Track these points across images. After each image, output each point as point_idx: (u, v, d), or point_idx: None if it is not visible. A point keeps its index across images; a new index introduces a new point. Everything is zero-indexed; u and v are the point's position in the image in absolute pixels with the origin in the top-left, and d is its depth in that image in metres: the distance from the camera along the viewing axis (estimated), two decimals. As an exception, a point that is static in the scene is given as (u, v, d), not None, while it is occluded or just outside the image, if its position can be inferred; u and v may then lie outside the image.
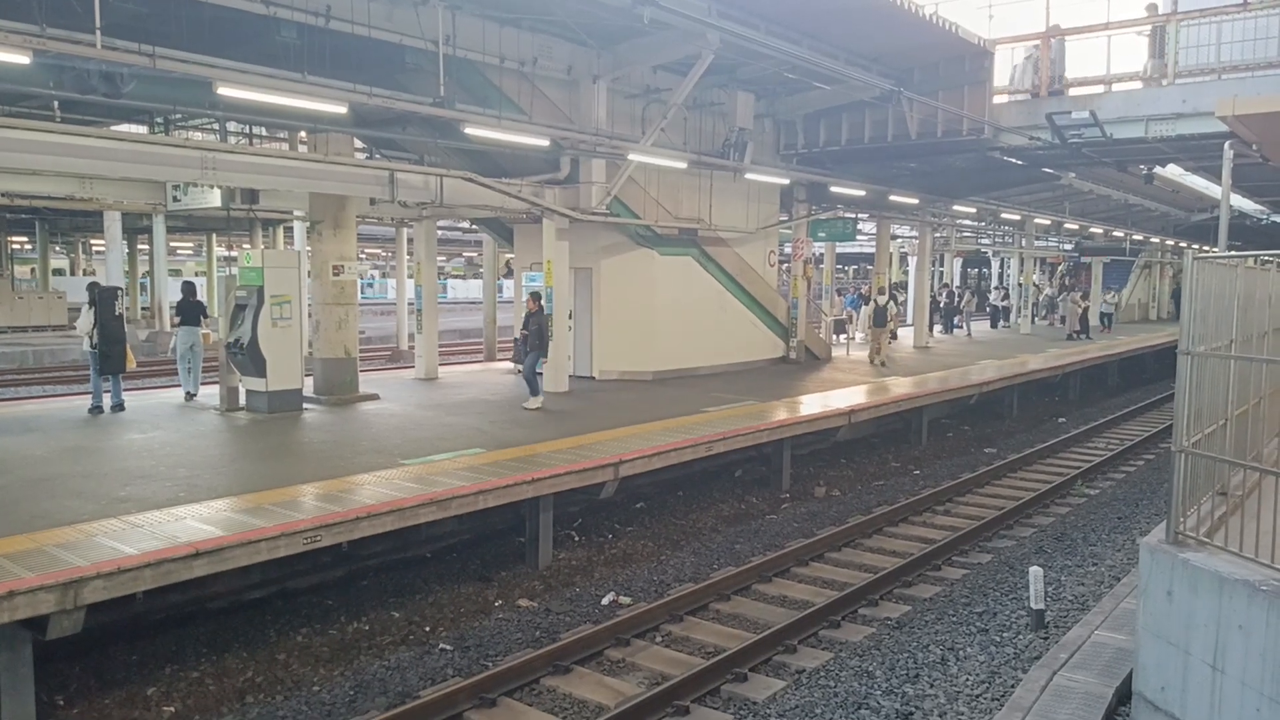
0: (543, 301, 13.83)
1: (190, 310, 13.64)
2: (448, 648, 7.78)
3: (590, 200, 14.94)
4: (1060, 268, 42.66)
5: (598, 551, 10.36)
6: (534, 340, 13.31)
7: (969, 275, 51.33)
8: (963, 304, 33.01)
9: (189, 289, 14.08)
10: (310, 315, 14.02)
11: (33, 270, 43.39)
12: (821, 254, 29.99)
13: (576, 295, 16.33)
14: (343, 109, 11.18)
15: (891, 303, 23.07)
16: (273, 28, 10.92)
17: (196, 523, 7.20)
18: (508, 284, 32.47)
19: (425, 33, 11.70)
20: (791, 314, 20.26)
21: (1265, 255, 6.09)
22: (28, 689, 6.04)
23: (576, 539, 10.68)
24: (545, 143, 13.36)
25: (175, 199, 13.77)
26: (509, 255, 20.26)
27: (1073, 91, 16.68)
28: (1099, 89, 16.43)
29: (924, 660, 7.36)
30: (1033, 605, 7.95)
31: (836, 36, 15.03)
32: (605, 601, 8.85)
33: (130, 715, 6.61)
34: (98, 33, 8.57)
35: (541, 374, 13.68)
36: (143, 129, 15.91)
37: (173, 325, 15.52)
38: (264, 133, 17.62)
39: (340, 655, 7.62)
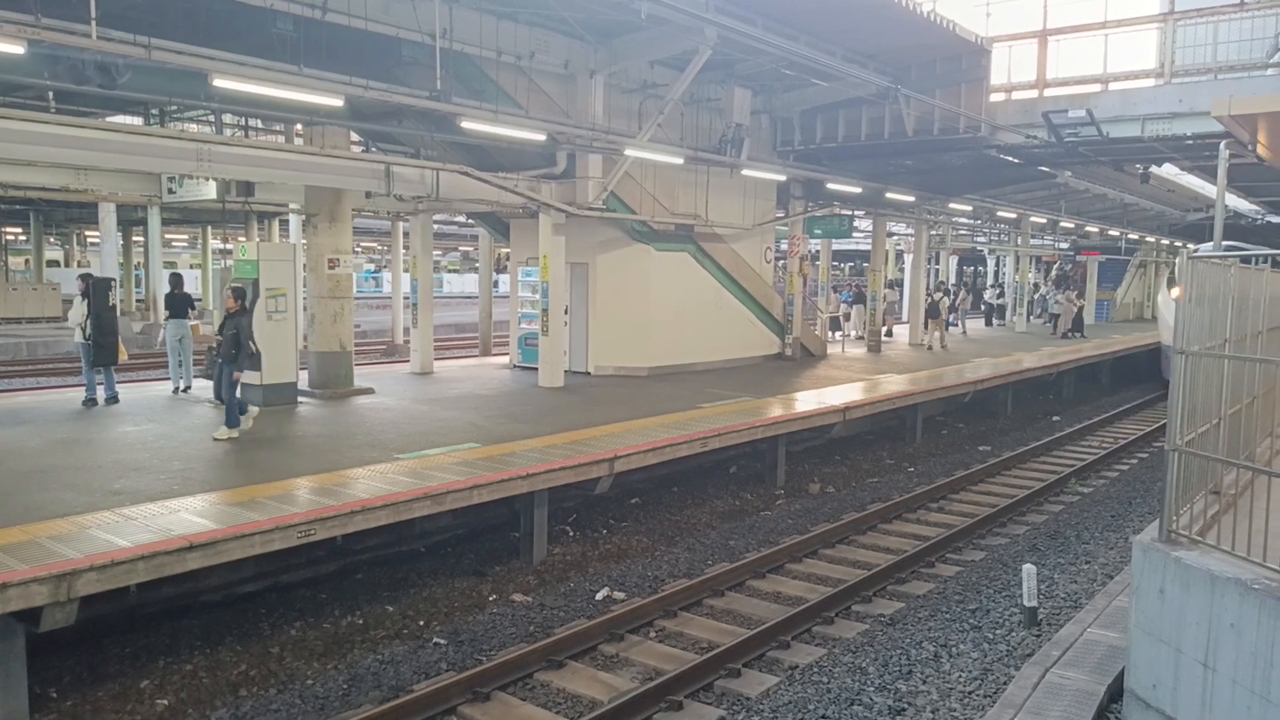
0: (247, 302, 10.87)
1: (178, 302, 13.60)
2: (441, 642, 7.78)
3: (586, 195, 14.93)
4: (1054, 266, 42.72)
5: (592, 547, 10.36)
6: (227, 348, 10.31)
7: (964, 273, 51.39)
8: (958, 302, 33.06)
9: (176, 281, 14.03)
10: (305, 309, 14.00)
11: (27, 261, 43.26)
12: (817, 251, 30.03)
13: (572, 290, 16.33)
14: (339, 102, 11.15)
15: (945, 297, 26.40)
16: (269, 20, 10.89)
17: (190, 516, 7.19)
18: (504, 279, 32.45)
19: (422, 26, 11.67)
20: (787, 311, 20.28)
21: (1258, 253, 6.10)
22: (20, 681, 6.03)
23: (571, 534, 10.69)
24: (542, 137, 13.34)
25: (170, 191, 13.74)
26: (505, 250, 20.25)
27: (1068, 90, 16.73)
28: (1095, 88, 16.47)
29: (917, 657, 7.38)
30: (1025, 603, 7.98)
31: (834, 33, 15.03)
32: (599, 597, 8.86)
33: (123, 708, 6.60)
34: (93, 23, 8.53)
35: (237, 392, 10.42)
36: (138, 120, 15.85)
37: (164, 318, 15.48)
38: (260, 125, 17.57)
39: (334, 649, 7.62)
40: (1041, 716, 5.34)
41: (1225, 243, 22.90)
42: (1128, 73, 16.29)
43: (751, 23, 13.21)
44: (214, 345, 10.69)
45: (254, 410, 10.86)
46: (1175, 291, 22.46)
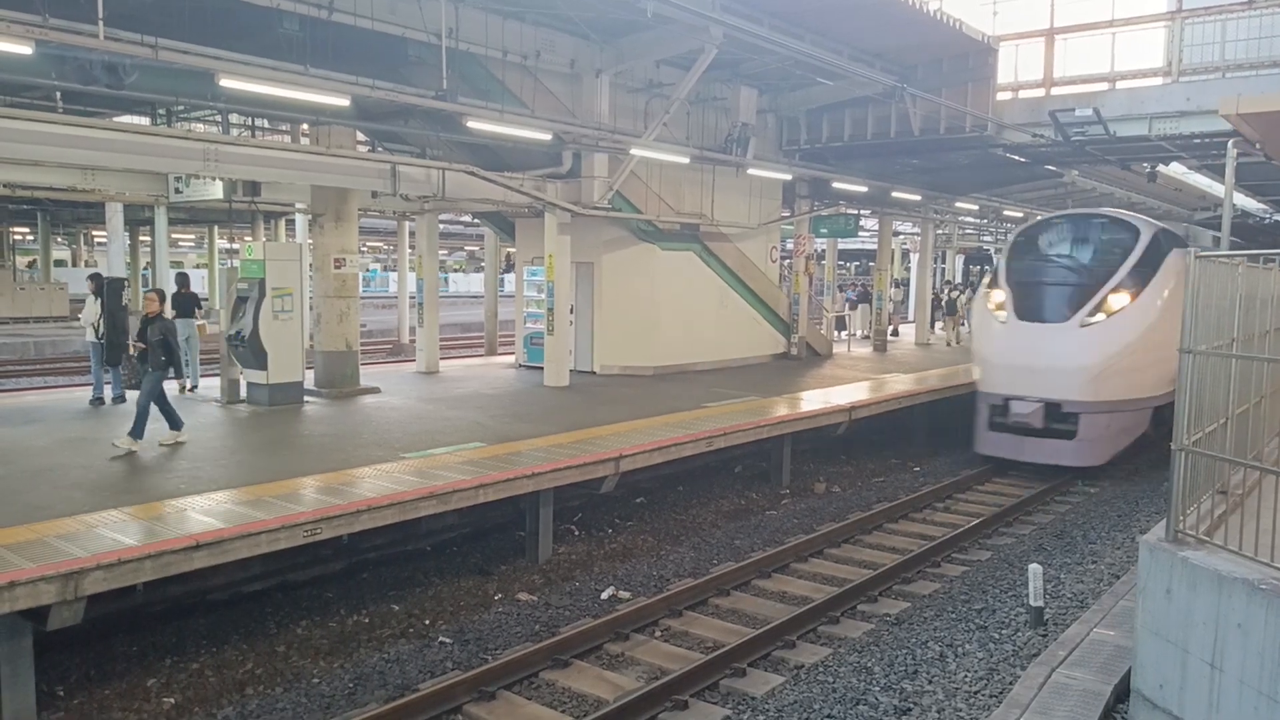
0: (167, 305, 9.97)
1: (185, 302, 13.65)
2: (447, 641, 7.79)
3: (592, 195, 14.93)
4: None
5: (597, 546, 10.37)
6: (156, 355, 9.53)
7: (971, 272, 51.26)
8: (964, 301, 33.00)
9: (183, 280, 14.08)
10: (311, 308, 14.03)
11: (34, 261, 43.40)
12: (823, 250, 29.99)
13: (578, 290, 16.34)
14: (345, 101, 11.17)
15: (962, 296, 26.82)
16: (275, 20, 10.92)
17: (197, 515, 7.21)
18: (509, 278, 32.49)
19: (428, 25, 11.69)
20: (793, 310, 20.27)
21: (1267, 254, 6.07)
22: (28, 679, 6.06)
23: (576, 533, 10.70)
24: (547, 137, 13.35)
25: (177, 191, 13.77)
26: (511, 249, 20.26)
27: (1075, 89, 16.69)
28: (1102, 86, 16.42)
29: (923, 657, 7.37)
30: (1032, 602, 7.96)
31: (840, 32, 15.01)
32: (605, 596, 8.86)
33: (130, 706, 6.62)
34: (100, 23, 8.56)
35: (160, 402, 9.63)
36: (145, 120, 15.90)
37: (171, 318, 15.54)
38: (266, 125, 17.61)
39: (340, 648, 7.64)
40: (1048, 716, 5.33)
41: (1076, 210, 17.11)
42: (1135, 71, 16.24)
43: (758, 22, 13.21)
44: (134, 351, 9.78)
45: (181, 434, 9.85)
46: (995, 298, 14.21)
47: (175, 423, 9.84)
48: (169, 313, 13.52)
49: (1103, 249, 14.11)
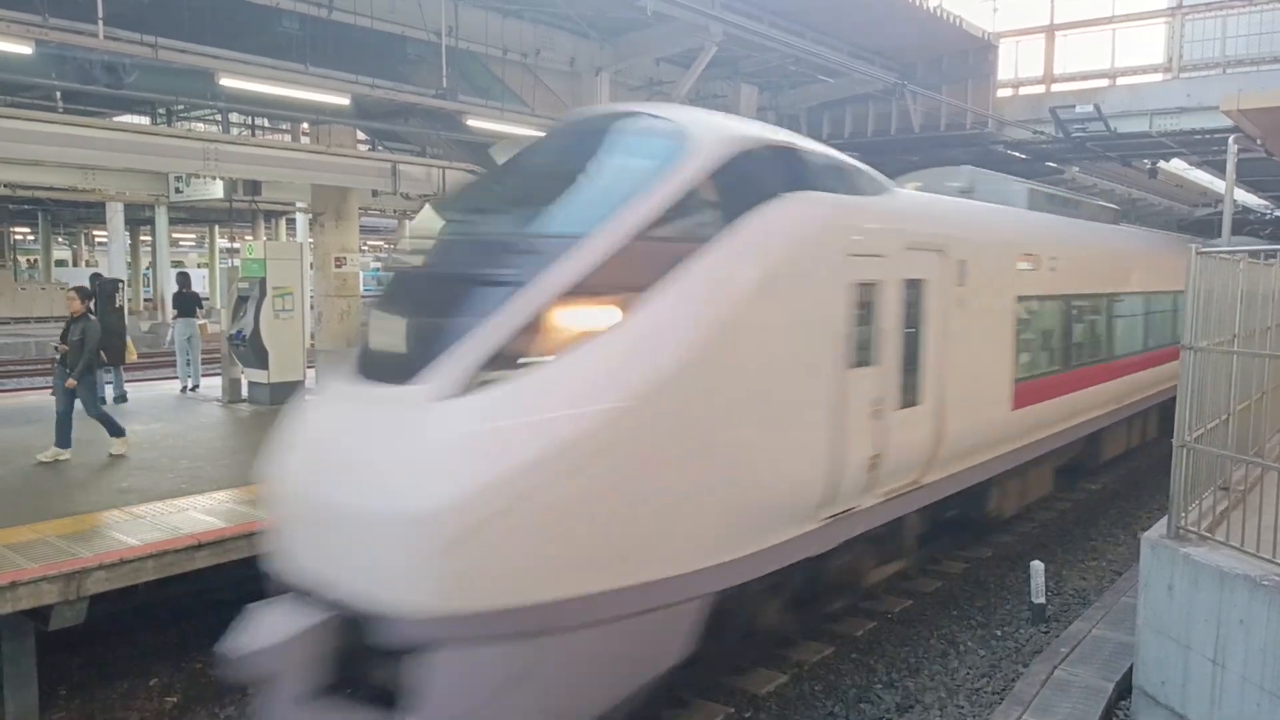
0: (91, 303, 9.29)
1: (186, 302, 13.64)
2: (449, 639, 7.77)
3: (592, 193, 14.90)
4: None
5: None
6: (73, 356, 8.78)
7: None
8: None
9: (184, 280, 14.07)
10: (313, 307, 14.03)
11: (35, 261, 43.46)
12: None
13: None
14: (345, 100, 11.18)
15: None
16: (275, 19, 10.92)
17: (199, 514, 7.21)
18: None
19: (428, 24, 11.68)
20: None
21: (1267, 248, 6.07)
22: (30, 679, 6.06)
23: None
24: (548, 135, 13.33)
25: (178, 190, 13.83)
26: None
27: (1076, 85, 16.69)
28: (1103, 83, 16.42)
29: (925, 654, 7.37)
30: (1034, 599, 7.96)
31: (841, 30, 15.00)
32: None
33: (132, 706, 6.62)
34: (100, 23, 8.57)
35: (67, 415, 8.92)
36: (145, 120, 15.91)
37: (172, 317, 15.57)
38: (266, 124, 17.61)
39: (342, 646, 7.62)
40: (1050, 713, 5.33)
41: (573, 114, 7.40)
42: (1136, 68, 16.27)
43: (758, 19, 13.20)
44: (58, 355, 9.20)
45: (65, 453, 9.01)
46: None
47: (65, 441, 8.95)
48: (178, 314, 13.53)
49: (583, 194, 5.79)
